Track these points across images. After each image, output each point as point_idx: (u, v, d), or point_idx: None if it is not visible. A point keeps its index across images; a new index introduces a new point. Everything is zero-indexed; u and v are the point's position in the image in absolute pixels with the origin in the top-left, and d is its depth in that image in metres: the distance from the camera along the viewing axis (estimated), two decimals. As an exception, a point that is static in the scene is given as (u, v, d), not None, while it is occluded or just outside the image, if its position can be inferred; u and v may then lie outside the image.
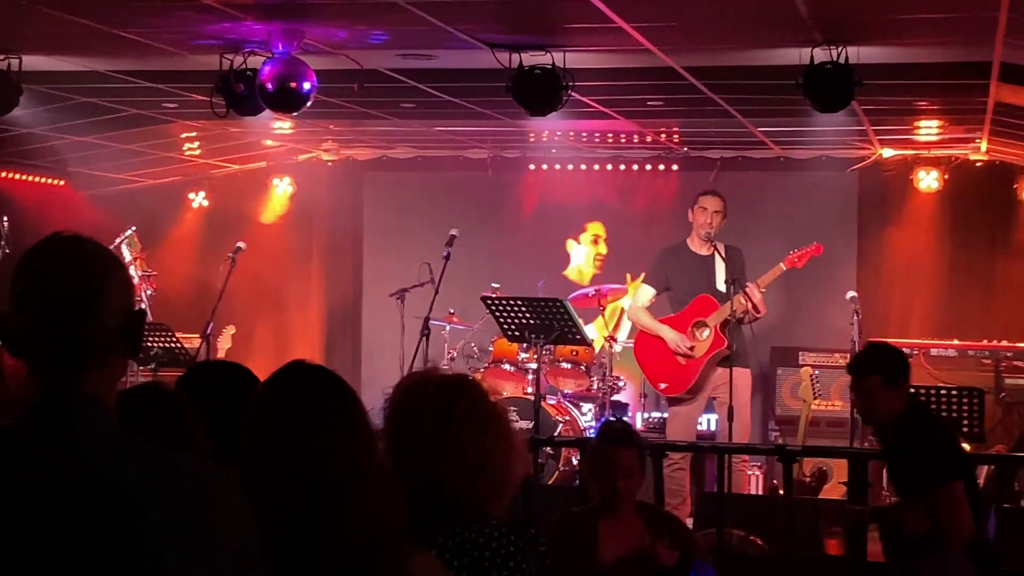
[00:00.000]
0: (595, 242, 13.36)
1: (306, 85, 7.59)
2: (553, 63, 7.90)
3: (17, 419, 2.36)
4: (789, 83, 7.74)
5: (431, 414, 3.16)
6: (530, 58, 7.90)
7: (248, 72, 7.95)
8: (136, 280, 11.46)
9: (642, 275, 10.06)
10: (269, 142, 13.10)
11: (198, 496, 2.24)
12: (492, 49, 7.81)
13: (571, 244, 13.48)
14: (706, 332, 9.42)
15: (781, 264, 9.59)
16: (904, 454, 6.20)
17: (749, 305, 9.21)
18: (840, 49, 7.51)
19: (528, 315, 9.71)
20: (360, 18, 7.15)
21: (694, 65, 8.43)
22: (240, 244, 10.61)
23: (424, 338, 9.95)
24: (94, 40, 7.76)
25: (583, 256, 13.47)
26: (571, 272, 13.44)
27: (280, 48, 7.49)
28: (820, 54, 7.56)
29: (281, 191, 14.12)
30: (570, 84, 7.98)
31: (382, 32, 7.54)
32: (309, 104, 7.73)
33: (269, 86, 7.52)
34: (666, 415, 10.09)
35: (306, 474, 2.72)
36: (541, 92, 7.94)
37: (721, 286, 9.39)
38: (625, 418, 11.42)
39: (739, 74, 8.68)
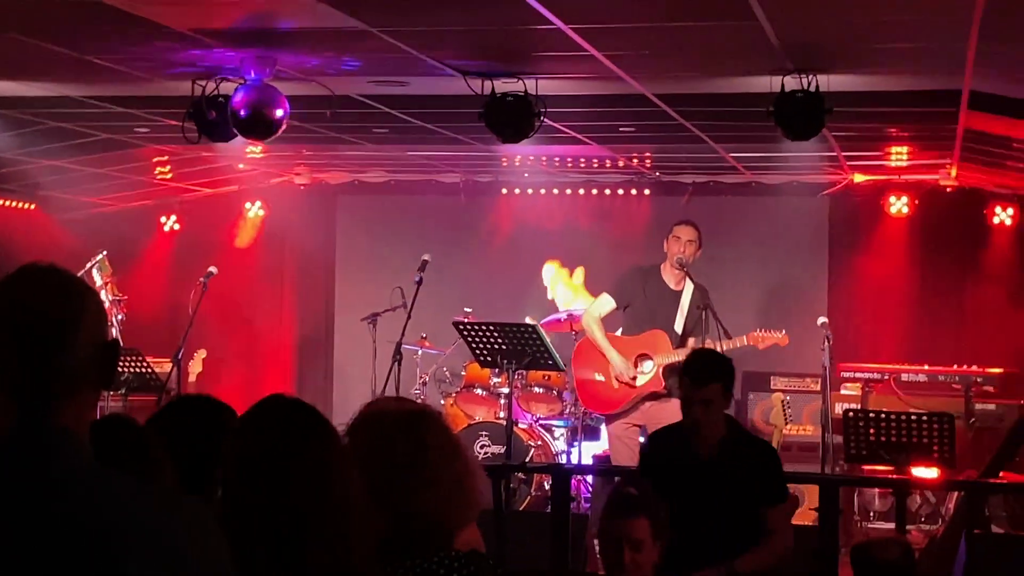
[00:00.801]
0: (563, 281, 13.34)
1: (278, 112, 7.58)
2: (525, 90, 7.91)
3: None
4: (760, 110, 7.78)
5: (404, 444, 3.18)
6: (502, 85, 7.92)
7: (220, 98, 7.93)
8: (107, 304, 11.42)
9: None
10: (241, 166, 13.07)
11: (173, 527, 2.25)
12: (464, 76, 7.82)
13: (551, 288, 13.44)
14: (649, 366, 9.42)
15: (745, 337, 9.55)
16: (744, 474, 5.90)
17: None
18: (811, 77, 7.55)
19: (500, 340, 9.71)
20: (333, 46, 7.16)
21: (666, 92, 8.46)
22: (212, 269, 10.57)
23: (396, 363, 9.94)
24: (66, 66, 7.74)
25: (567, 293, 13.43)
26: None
27: (253, 75, 7.48)
28: (791, 82, 7.60)
29: (253, 215, 14.10)
30: (542, 111, 8.00)
31: (355, 59, 7.54)
32: (281, 130, 7.72)
33: (241, 113, 7.51)
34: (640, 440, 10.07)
35: (283, 506, 2.75)
36: (513, 119, 7.95)
37: (679, 326, 9.42)
38: (595, 442, 11.44)
39: (710, 101, 8.72)
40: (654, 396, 9.42)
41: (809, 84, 7.57)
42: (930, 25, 6.41)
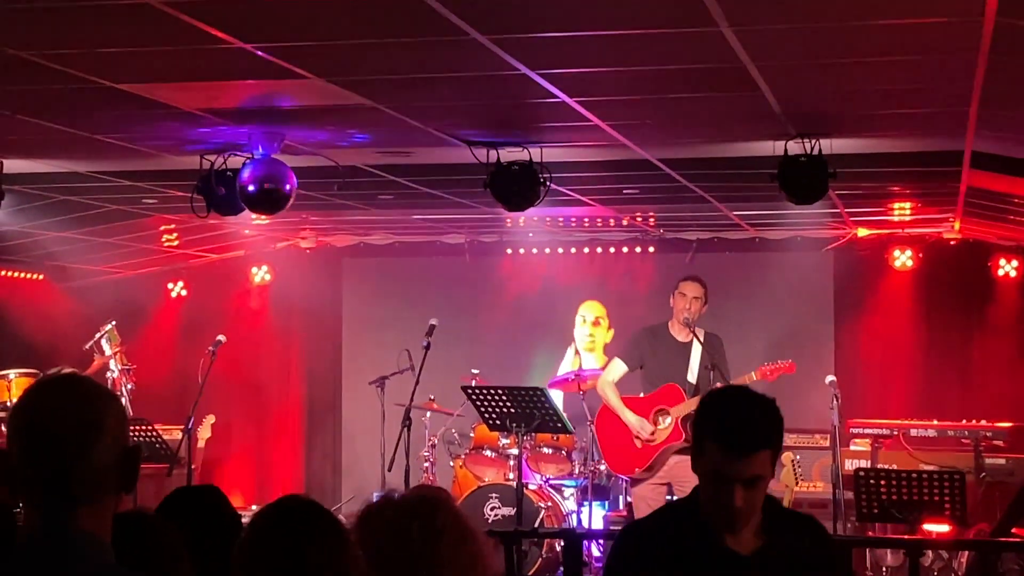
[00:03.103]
0: (595, 324, 13.20)
1: (286, 186, 7.62)
2: (530, 159, 7.96)
3: (14, 553, 2.40)
4: (764, 172, 7.82)
5: (419, 530, 3.20)
6: (507, 154, 7.97)
7: (228, 172, 7.97)
8: (116, 374, 11.44)
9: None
10: (247, 232, 13.12)
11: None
12: (470, 146, 7.87)
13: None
14: (667, 421, 9.42)
15: (753, 373, 9.58)
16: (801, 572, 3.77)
17: None
18: (814, 141, 7.60)
19: (508, 404, 9.73)
20: (340, 121, 7.22)
21: (669, 157, 8.52)
22: (220, 337, 10.57)
23: (406, 428, 9.96)
24: (75, 145, 7.81)
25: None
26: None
27: (260, 150, 7.53)
28: (794, 147, 7.65)
29: (259, 279, 14.13)
30: (547, 179, 8.03)
31: (361, 133, 7.60)
32: (289, 204, 7.76)
33: (250, 188, 7.55)
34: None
35: None
36: (519, 188, 7.99)
37: (692, 377, 9.41)
38: (606, 502, 11.41)
39: (714, 164, 8.78)
40: (679, 451, 9.37)
41: (812, 148, 7.61)
42: (931, 92, 6.46)
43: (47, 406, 2.48)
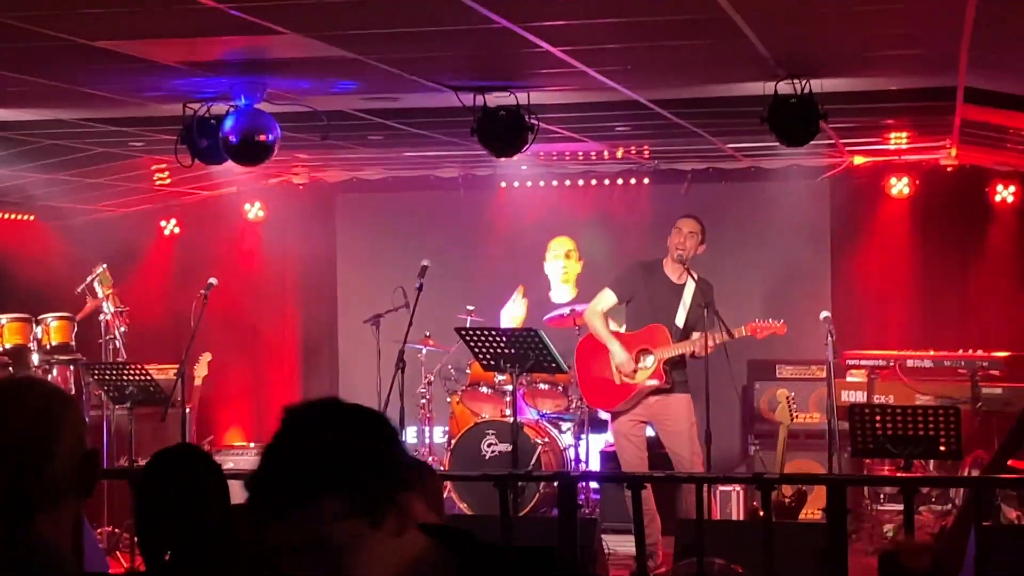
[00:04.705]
0: (567, 256, 13.10)
1: (269, 136, 7.54)
2: (517, 104, 7.85)
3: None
4: (754, 111, 7.72)
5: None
6: (494, 99, 7.86)
7: (212, 120, 7.86)
8: (109, 317, 11.40)
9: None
10: (239, 169, 13.01)
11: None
12: (456, 91, 7.77)
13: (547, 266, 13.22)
14: (650, 360, 9.39)
15: (743, 328, 9.47)
16: None
17: (699, 350, 9.17)
18: (804, 82, 7.49)
19: (503, 345, 9.70)
20: (324, 72, 7.12)
21: (660, 98, 8.41)
22: (212, 280, 10.49)
23: (400, 371, 9.95)
24: (57, 96, 7.73)
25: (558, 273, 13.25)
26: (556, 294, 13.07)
27: (243, 100, 7.44)
28: (784, 87, 7.53)
29: (253, 215, 14.04)
30: (535, 126, 7.93)
31: (346, 82, 7.51)
32: (273, 155, 7.68)
33: (232, 139, 7.46)
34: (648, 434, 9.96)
35: None
36: (506, 134, 7.90)
37: (680, 320, 9.36)
38: (603, 435, 11.41)
39: (705, 103, 8.67)
40: (658, 391, 9.39)
41: (803, 88, 7.50)
42: (920, 36, 6.37)
43: (1, 416, 2.45)
